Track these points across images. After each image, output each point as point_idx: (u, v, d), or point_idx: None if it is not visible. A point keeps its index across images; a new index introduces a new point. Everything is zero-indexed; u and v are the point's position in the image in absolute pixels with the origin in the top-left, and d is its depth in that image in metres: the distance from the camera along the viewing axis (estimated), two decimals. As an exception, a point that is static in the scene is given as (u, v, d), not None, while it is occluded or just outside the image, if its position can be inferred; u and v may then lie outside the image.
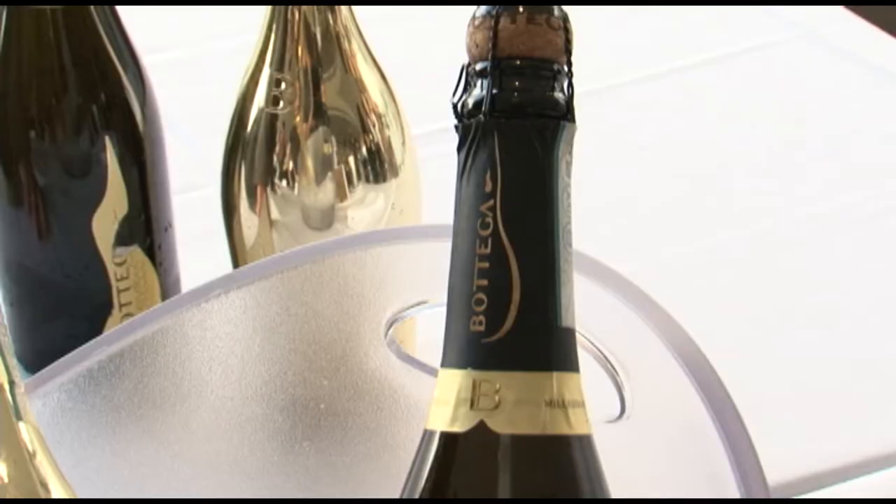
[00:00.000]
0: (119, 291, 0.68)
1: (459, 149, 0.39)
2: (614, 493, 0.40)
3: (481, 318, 0.38)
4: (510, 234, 0.38)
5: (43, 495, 0.36)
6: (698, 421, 0.44)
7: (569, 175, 0.39)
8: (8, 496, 0.36)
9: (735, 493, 0.43)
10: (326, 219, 0.65)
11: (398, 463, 0.44)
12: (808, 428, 0.68)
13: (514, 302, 0.38)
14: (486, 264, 0.38)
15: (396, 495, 0.40)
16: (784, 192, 0.88)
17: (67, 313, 0.68)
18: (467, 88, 0.39)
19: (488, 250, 0.38)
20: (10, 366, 0.37)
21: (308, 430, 0.52)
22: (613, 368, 0.47)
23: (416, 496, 0.39)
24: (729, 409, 0.44)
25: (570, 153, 0.39)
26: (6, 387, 0.37)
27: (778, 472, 0.64)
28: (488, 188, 0.38)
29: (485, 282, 0.38)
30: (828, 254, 0.82)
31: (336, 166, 0.64)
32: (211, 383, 0.52)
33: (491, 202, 0.38)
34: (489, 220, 0.38)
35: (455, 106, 0.40)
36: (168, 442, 0.51)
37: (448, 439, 0.38)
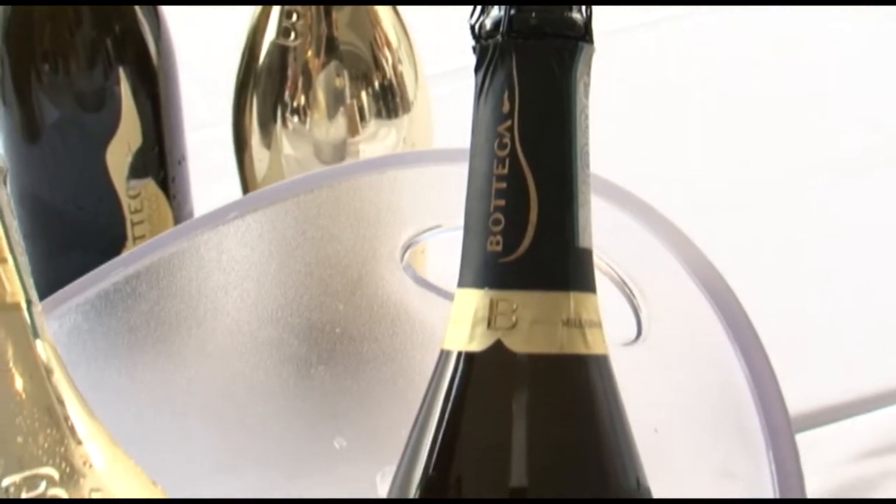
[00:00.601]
0: (133, 224, 0.68)
1: (477, 70, 0.39)
2: (630, 416, 0.40)
3: (499, 238, 0.38)
4: (527, 154, 0.38)
5: (59, 412, 0.36)
6: (717, 345, 0.44)
7: (586, 96, 0.39)
8: (25, 412, 0.36)
9: (755, 420, 0.42)
10: (338, 154, 0.65)
11: (413, 388, 0.44)
12: (829, 359, 0.68)
13: (532, 222, 0.38)
14: (504, 184, 0.38)
15: (411, 421, 0.40)
16: (803, 131, 0.88)
17: (81, 246, 0.68)
18: (485, 9, 0.39)
19: (505, 170, 0.38)
20: (27, 285, 0.37)
21: (323, 354, 0.52)
22: (631, 291, 0.47)
23: (433, 416, 0.39)
24: (749, 334, 0.44)
25: (588, 74, 0.39)
26: (24, 305, 0.37)
27: (798, 403, 0.63)
28: (506, 109, 0.38)
29: (502, 202, 0.38)
30: (853, 187, 0.82)
31: (348, 101, 0.64)
32: (227, 306, 0.52)
33: (508, 122, 0.38)
34: (506, 140, 0.38)
35: (473, 27, 0.39)
36: (184, 364, 0.51)
37: (465, 358, 0.38)
